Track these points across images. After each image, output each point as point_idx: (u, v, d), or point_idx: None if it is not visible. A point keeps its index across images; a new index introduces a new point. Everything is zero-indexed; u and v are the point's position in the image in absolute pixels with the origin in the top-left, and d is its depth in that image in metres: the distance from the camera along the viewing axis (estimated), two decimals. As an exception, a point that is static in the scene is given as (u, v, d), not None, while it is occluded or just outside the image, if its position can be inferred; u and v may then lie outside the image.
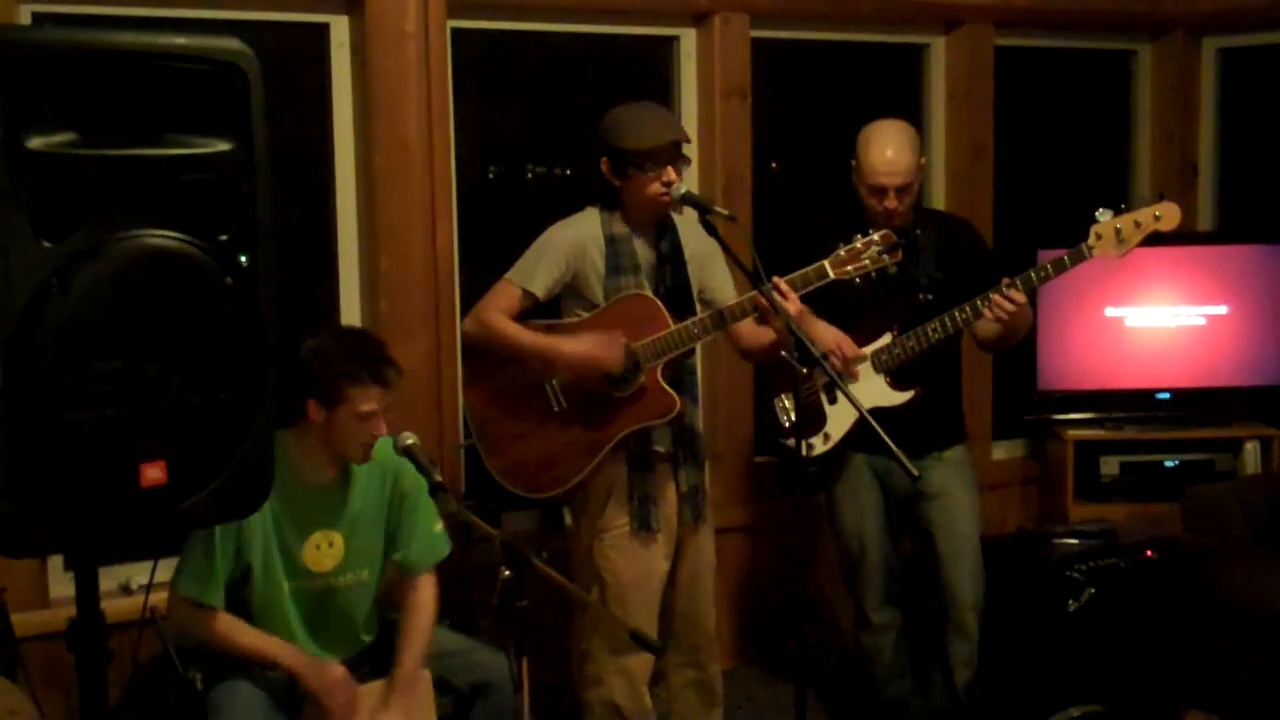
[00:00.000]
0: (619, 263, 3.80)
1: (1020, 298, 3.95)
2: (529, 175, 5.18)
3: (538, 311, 3.85)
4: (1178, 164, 5.99)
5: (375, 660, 3.59)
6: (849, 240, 3.73)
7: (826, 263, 3.71)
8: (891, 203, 4.09)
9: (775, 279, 3.64)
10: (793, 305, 3.62)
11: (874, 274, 3.76)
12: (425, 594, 3.60)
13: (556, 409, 3.81)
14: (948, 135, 5.51)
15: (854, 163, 4.19)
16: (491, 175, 5.02)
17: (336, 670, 3.40)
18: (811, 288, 3.71)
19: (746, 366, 4.62)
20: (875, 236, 3.72)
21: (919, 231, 4.18)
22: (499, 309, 3.79)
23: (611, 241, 3.81)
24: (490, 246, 4.66)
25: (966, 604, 4.31)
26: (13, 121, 1.93)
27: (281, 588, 3.43)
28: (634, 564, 3.86)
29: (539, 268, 3.80)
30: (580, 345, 3.74)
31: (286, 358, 3.14)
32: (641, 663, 3.87)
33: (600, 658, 3.90)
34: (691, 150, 4.21)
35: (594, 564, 3.88)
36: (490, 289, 3.85)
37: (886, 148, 4.11)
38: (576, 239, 3.82)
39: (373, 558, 3.56)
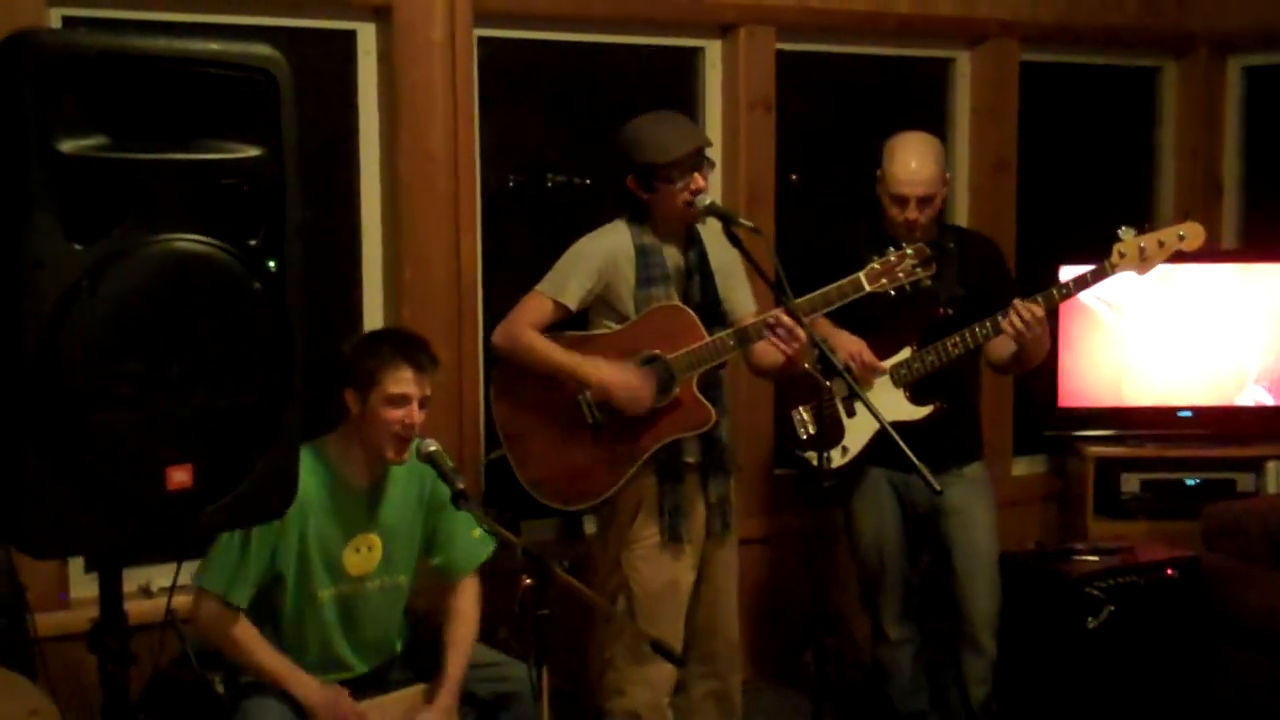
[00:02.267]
0: (650, 274, 3.79)
1: (1039, 311, 3.94)
2: (549, 184, 5.19)
3: (567, 323, 3.85)
4: (1202, 181, 5.97)
5: (407, 667, 3.61)
6: (882, 253, 3.73)
7: (862, 276, 3.71)
8: (913, 213, 4.09)
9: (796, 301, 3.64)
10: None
11: (907, 286, 3.76)
12: (468, 599, 3.61)
13: (590, 421, 3.80)
14: (971, 150, 5.49)
15: (879, 173, 4.20)
16: (511, 184, 5.02)
17: (345, 701, 3.38)
18: (847, 300, 3.71)
19: (769, 377, 4.61)
20: (909, 250, 3.72)
21: (942, 246, 4.18)
22: (530, 322, 3.78)
23: (643, 252, 3.80)
24: (508, 255, 4.67)
25: (983, 621, 4.30)
26: (45, 124, 1.93)
27: (318, 592, 3.43)
28: (662, 575, 3.86)
29: (571, 280, 3.79)
30: (610, 376, 3.74)
31: (320, 363, 3.17)
32: (664, 673, 3.86)
33: (623, 667, 3.90)
34: (715, 159, 4.21)
35: (622, 574, 3.88)
36: (520, 301, 3.84)
37: (911, 158, 4.12)
38: (608, 250, 3.81)
39: (407, 562, 3.57)
